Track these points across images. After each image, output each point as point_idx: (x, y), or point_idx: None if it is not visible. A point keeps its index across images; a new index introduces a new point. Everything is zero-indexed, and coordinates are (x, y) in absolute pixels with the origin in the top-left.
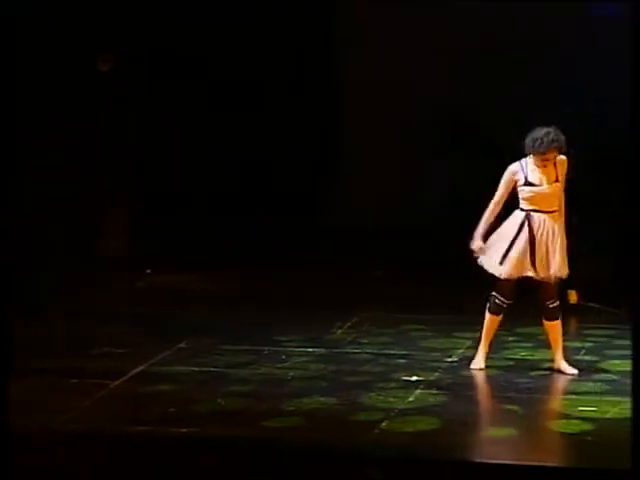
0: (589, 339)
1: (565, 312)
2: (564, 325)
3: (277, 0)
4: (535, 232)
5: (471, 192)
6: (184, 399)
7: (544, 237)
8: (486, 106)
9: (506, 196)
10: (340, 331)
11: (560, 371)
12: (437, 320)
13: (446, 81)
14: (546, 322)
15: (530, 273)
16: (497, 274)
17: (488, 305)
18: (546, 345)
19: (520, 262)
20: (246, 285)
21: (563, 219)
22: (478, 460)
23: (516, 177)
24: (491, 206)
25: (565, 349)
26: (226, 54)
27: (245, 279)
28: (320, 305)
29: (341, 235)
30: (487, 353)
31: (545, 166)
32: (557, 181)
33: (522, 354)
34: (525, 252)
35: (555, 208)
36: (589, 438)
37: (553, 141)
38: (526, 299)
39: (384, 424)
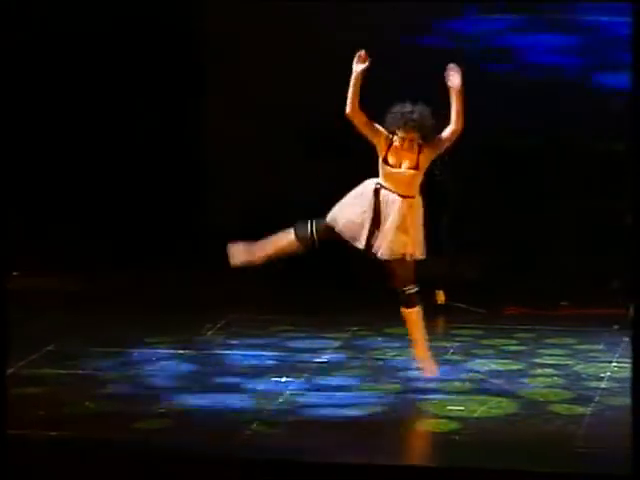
0: (456, 339)
1: (433, 312)
2: (432, 325)
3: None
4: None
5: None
6: (54, 402)
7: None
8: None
9: (360, 119)
10: (210, 332)
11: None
12: (307, 321)
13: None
14: (404, 310)
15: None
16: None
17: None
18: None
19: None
20: (117, 286)
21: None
22: (348, 461)
23: (380, 141)
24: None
25: (432, 349)
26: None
27: (117, 280)
28: (190, 307)
29: (217, 237)
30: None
31: (404, 148)
32: (416, 168)
33: (390, 354)
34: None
35: (411, 194)
36: (457, 437)
37: (412, 121)
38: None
39: (254, 426)
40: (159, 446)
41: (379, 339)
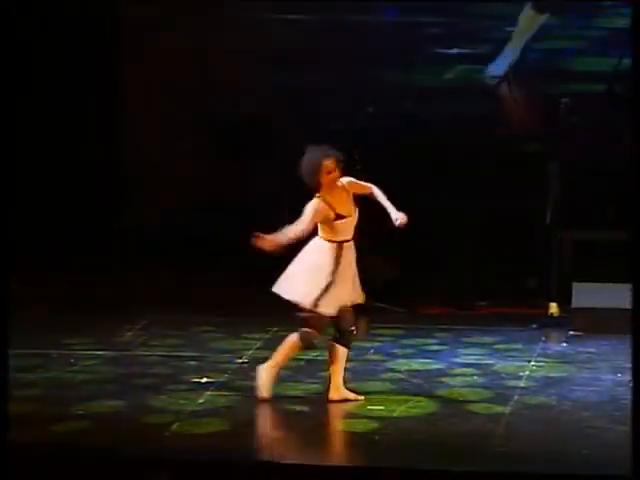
0: (377, 339)
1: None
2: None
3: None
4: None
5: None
6: None
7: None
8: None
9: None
10: (130, 334)
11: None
12: (227, 322)
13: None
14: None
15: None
16: (315, 309)
17: (300, 341)
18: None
19: (341, 295)
20: (37, 287)
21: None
22: (269, 460)
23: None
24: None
25: (353, 349)
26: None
27: (36, 281)
28: (110, 308)
29: (135, 238)
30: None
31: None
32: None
33: (313, 354)
34: (345, 284)
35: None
36: (376, 437)
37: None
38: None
39: (174, 426)
40: (77, 448)
41: None
